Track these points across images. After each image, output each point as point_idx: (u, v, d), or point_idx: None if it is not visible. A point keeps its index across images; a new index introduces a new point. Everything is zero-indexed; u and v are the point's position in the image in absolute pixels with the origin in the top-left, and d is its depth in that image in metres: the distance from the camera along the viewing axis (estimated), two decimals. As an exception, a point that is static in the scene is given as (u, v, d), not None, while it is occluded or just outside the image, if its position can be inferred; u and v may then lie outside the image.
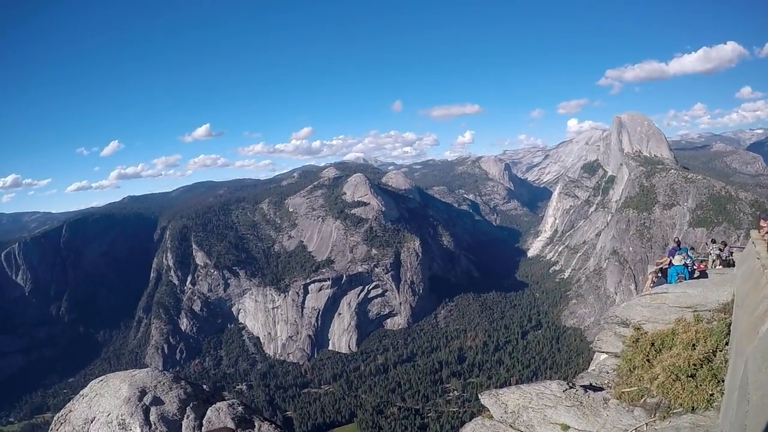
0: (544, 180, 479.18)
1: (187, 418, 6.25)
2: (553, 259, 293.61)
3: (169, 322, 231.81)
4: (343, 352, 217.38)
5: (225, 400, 7.51)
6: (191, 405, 6.48)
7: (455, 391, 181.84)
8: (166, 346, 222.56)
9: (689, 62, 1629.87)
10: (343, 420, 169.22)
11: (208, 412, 6.74)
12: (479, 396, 10.84)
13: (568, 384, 10.11)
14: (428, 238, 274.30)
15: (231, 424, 6.48)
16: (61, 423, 6.68)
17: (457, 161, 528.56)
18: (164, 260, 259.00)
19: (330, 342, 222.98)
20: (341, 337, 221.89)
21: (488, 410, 10.10)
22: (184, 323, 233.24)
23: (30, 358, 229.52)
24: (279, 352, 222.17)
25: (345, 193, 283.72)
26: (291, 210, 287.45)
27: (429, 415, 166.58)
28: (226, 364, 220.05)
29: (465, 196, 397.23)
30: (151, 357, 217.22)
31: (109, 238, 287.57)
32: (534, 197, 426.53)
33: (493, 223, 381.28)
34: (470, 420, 10.81)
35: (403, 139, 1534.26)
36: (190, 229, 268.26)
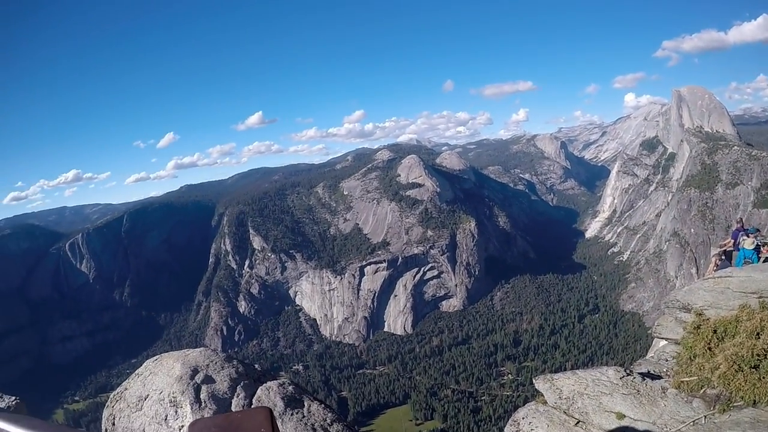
0: (602, 158, 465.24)
1: (237, 396, 6.26)
2: (611, 241, 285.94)
3: (228, 304, 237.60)
4: (399, 333, 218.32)
5: (276, 379, 7.47)
6: (242, 384, 6.48)
7: (509, 375, 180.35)
8: (225, 328, 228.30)
9: (749, 30, 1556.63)
10: (397, 401, 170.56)
11: (258, 391, 6.72)
12: (534, 380, 10.59)
13: (625, 371, 9.72)
14: (484, 219, 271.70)
15: (281, 404, 6.48)
16: (117, 401, 6.77)
17: (511, 140, 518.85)
18: (222, 245, 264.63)
19: (385, 323, 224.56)
20: (397, 319, 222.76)
21: (542, 395, 9.87)
22: (243, 306, 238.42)
23: (95, 341, 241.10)
24: (335, 333, 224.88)
25: (399, 175, 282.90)
26: (346, 193, 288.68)
27: (483, 398, 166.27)
28: (283, 345, 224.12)
29: (521, 175, 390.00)
30: (211, 338, 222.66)
31: (169, 226, 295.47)
32: (591, 176, 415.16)
33: (550, 203, 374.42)
34: (524, 405, 10.56)
35: (456, 119, 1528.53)
36: (246, 215, 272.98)
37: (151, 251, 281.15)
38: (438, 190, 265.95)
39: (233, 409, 5.88)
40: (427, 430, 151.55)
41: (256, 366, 7.57)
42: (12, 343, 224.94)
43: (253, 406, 6.65)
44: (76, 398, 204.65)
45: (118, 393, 6.77)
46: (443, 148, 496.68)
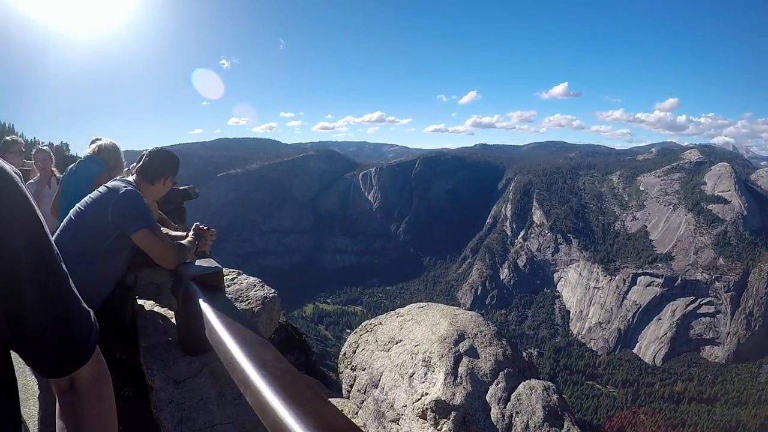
0: None
1: (497, 385, 4.62)
2: None
3: (491, 267, 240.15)
4: (646, 361, 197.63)
5: (540, 378, 5.64)
6: (505, 371, 4.79)
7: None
8: (480, 288, 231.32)
9: None
10: (609, 429, 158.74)
11: (520, 386, 5.01)
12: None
13: None
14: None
15: (539, 413, 4.72)
16: (367, 331, 5.86)
17: None
18: (503, 210, 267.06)
19: (637, 345, 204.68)
20: (650, 345, 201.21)
21: None
22: (504, 273, 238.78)
23: (361, 260, 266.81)
24: (582, 333, 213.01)
25: (705, 183, 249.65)
26: (642, 189, 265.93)
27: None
28: (528, 324, 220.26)
29: None
30: (464, 293, 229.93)
31: (456, 178, 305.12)
32: None
33: None
34: None
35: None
36: (534, 186, 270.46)
37: (435, 197, 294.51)
38: (745, 212, 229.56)
39: (488, 399, 4.73)
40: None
41: (524, 354, 5.75)
42: (293, 240, 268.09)
43: (511, 404, 5.33)
44: (328, 300, 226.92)
45: (370, 324, 6.03)
46: (762, 163, 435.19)
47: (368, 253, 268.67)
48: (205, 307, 3.16)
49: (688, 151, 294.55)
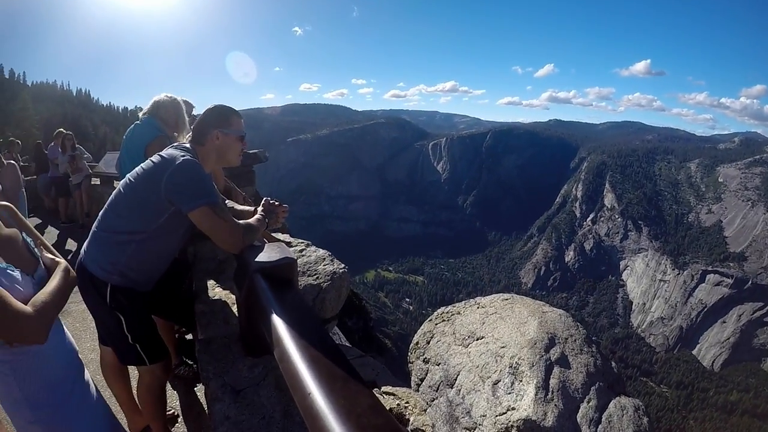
0: None
1: (588, 402, 4.08)
2: None
3: (557, 248, 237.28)
4: (704, 364, 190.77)
5: (628, 395, 5.54)
6: (596, 386, 4.43)
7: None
8: (543, 269, 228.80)
9: None
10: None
11: (611, 405, 4.58)
12: None
13: None
14: None
15: None
16: (443, 320, 5.93)
17: None
18: (573, 190, 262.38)
19: (697, 346, 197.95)
20: (710, 348, 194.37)
21: None
22: (570, 255, 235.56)
23: (426, 230, 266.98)
24: (643, 327, 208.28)
25: None
26: (720, 180, 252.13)
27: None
28: (588, 312, 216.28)
29: None
30: (526, 272, 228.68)
31: (528, 154, 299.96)
32: None
33: None
34: None
35: None
36: (607, 167, 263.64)
37: (504, 172, 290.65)
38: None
39: (579, 419, 3.98)
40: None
41: (613, 364, 5.68)
42: (359, 206, 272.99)
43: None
44: (390, 268, 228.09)
45: (447, 312, 5.68)
46: None
47: (433, 224, 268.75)
48: (277, 321, 2.55)
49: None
